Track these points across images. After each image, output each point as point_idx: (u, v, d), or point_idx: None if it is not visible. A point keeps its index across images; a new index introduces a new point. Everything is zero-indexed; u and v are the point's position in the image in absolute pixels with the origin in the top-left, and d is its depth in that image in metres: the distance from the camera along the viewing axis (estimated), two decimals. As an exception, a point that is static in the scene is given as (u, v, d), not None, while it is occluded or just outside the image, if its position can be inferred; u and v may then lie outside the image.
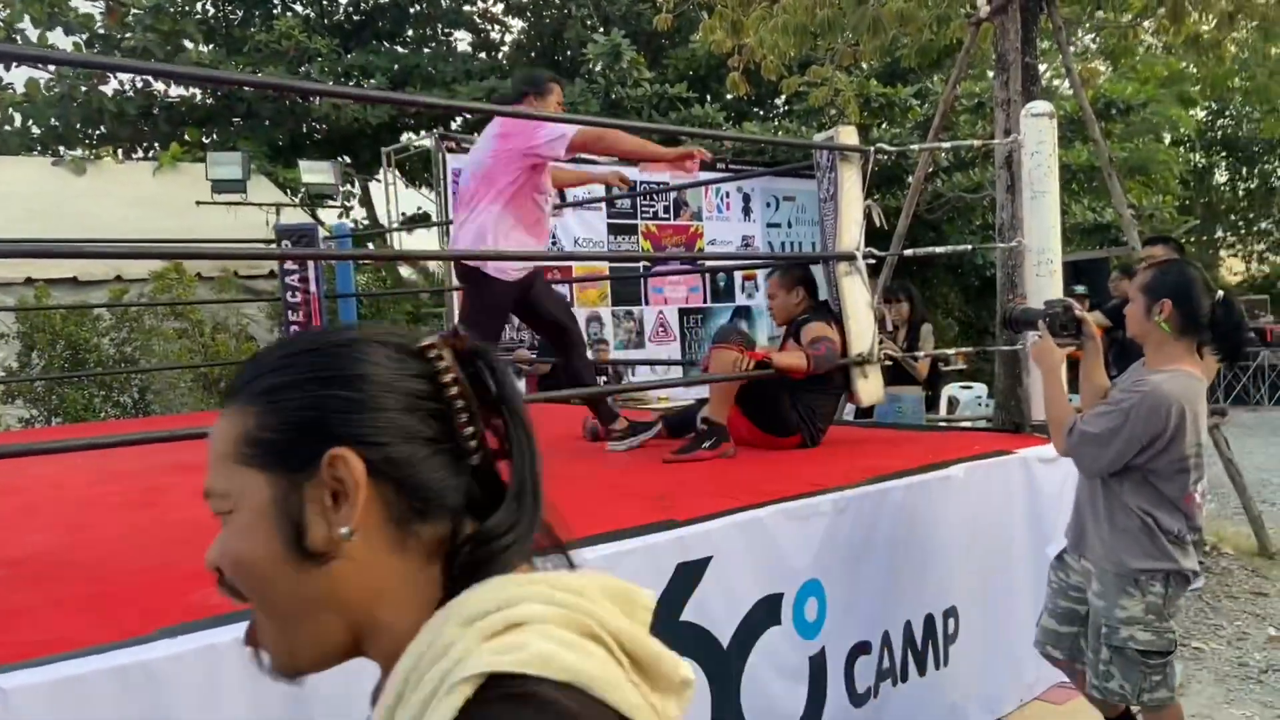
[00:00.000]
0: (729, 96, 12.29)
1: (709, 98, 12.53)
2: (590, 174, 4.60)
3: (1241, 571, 5.26)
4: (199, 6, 13.74)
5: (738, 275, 10.05)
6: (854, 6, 5.79)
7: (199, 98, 13.18)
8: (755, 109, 13.91)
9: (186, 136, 12.29)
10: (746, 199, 10.30)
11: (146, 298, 7.87)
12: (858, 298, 3.67)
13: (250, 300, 8.53)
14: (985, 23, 5.64)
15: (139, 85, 12.93)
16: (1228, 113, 19.44)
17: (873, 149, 3.86)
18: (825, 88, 7.92)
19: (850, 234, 3.79)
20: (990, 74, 11.70)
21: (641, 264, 9.36)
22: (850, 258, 3.72)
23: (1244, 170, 20.44)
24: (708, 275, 9.83)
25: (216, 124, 13.06)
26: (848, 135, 3.94)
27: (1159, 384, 2.44)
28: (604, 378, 8.92)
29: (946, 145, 7.49)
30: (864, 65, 8.82)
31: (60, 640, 1.64)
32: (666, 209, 9.52)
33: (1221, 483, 6.52)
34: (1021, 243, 3.92)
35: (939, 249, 4.92)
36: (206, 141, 12.90)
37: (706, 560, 2.46)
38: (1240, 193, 20.95)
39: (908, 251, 4.42)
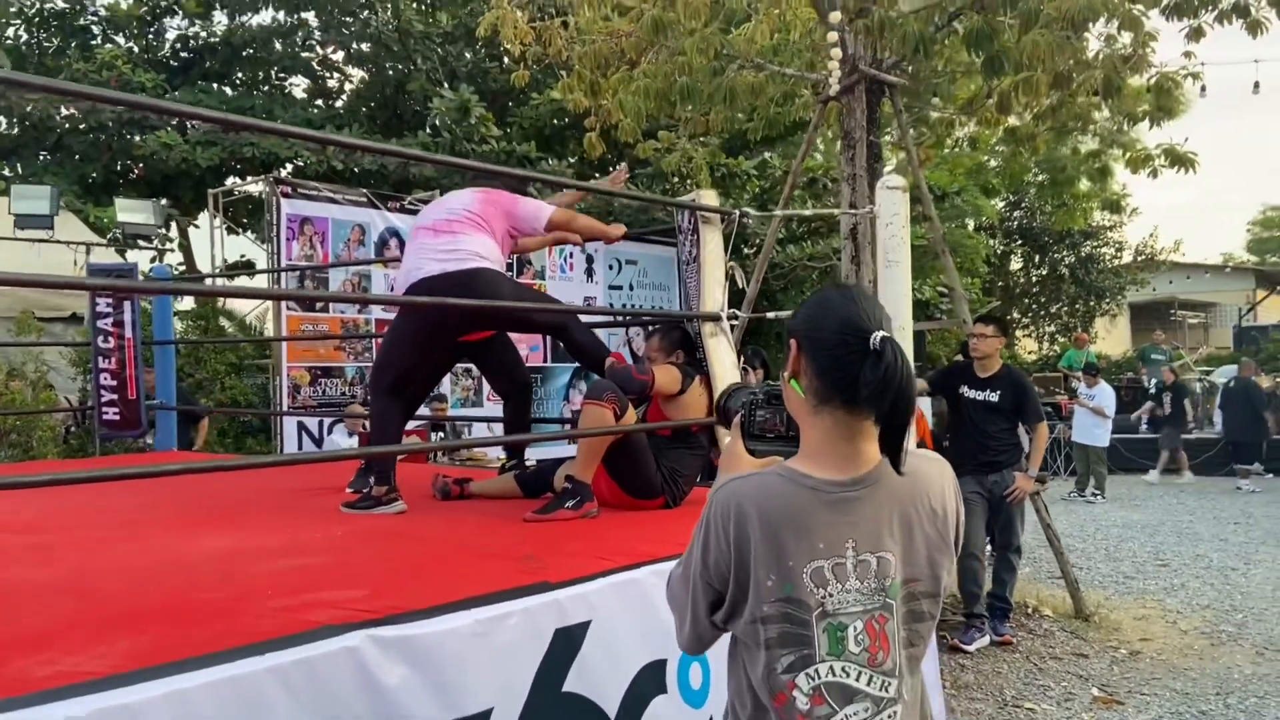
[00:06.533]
0: (572, 158, 12.41)
1: (552, 158, 12.59)
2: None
3: (1062, 633, 5.53)
4: (9, 32, 12.81)
5: (580, 335, 10.03)
6: (709, 77, 5.96)
7: (3, 126, 12.21)
8: (596, 173, 14.08)
9: (-14, 167, 11.35)
10: (590, 260, 10.34)
11: (-70, 337, 7.12)
12: (724, 358, 3.68)
13: (56, 345, 7.85)
14: (832, 101, 5.90)
15: (-69, 109, 11.87)
16: (1023, 204, 21.21)
17: (738, 212, 3.91)
18: (678, 154, 8.08)
19: (714, 295, 3.81)
20: (820, 153, 12.34)
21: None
22: (716, 318, 3.74)
23: (1036, 258, 22.34)
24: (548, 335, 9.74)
25: (21, 156, 12.10)
26: (709, 198, 4.02)
27: (722, 487, 1.45)
28: (440, 434, 8.67)
29: (808, 213, 7.77)
30: (710, 135, 9.09)
31: None
32: (510, 265, 9.41)
33: (1035, 548, 6.90)
34: (875, 310, 4.03)
35: (792, 312, 5.04)
36: (9, 174, 11.94)
37: (586, 625, 2.34)
38: (1034, 278, 22.82)
39: (770, 315, 4.50)
